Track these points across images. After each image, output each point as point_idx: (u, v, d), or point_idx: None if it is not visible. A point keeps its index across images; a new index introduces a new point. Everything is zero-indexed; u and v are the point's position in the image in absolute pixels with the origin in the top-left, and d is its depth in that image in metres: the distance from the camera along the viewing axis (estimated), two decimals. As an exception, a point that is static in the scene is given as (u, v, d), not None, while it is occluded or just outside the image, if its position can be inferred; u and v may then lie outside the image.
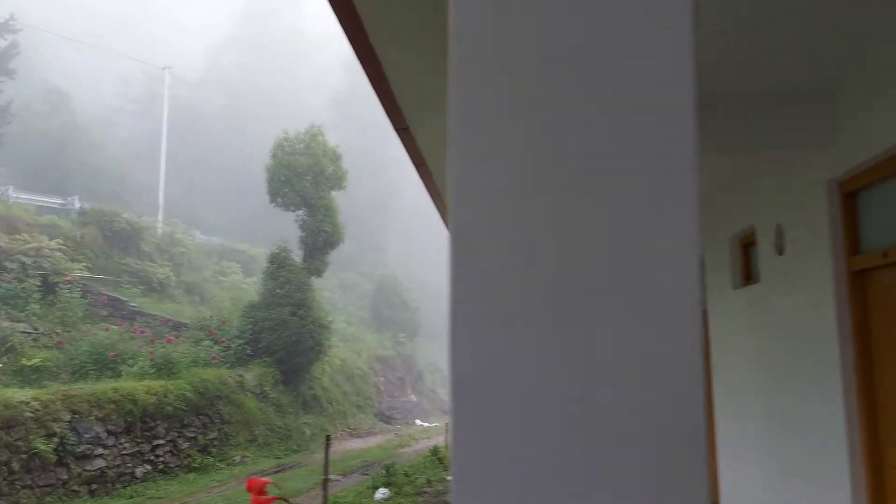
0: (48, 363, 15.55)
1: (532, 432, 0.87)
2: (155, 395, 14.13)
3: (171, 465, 14.15)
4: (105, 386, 13.25)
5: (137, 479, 12.90)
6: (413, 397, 33.64)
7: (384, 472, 12.36)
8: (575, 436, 0.86)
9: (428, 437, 22.03)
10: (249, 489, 2.73)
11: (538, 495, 0.86)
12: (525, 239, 0.88)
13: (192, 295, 26.20)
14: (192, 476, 14.09)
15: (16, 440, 10.77)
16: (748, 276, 6.61)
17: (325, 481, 9.83)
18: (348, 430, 22.37)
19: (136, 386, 13.93)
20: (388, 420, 27.12)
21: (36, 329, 16.84)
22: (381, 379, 30.46)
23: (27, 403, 11.55)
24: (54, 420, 11.63)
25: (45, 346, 16.44)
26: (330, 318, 21.71)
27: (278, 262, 20.88)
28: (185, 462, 14.58)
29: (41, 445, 11.12)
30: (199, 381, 16.10)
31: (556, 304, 0.88)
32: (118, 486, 12.16)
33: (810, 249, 4.97)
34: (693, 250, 0.90)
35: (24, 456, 10.84)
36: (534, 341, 0.88)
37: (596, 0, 0.90)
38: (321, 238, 23.44)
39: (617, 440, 0.87)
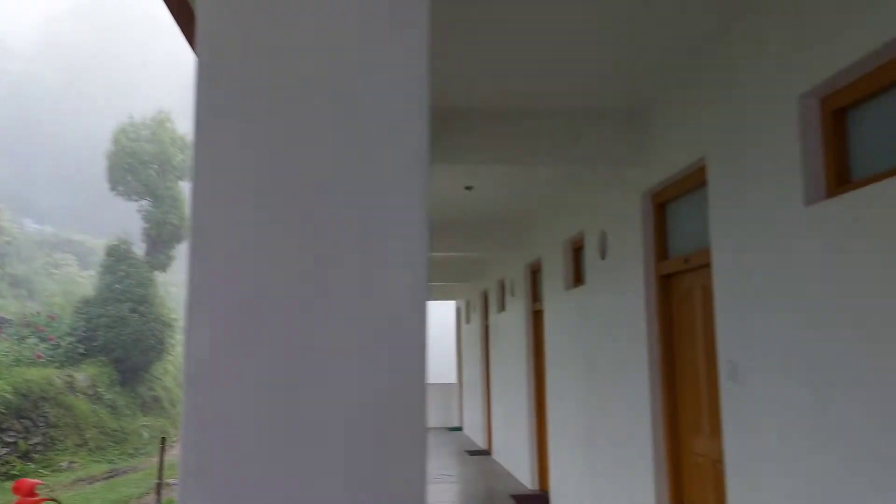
0: None
1: (258, 422, 0.91)
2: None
3: (-15, 474, 12.87)
4: None
5: None
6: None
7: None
8: (300, 426, 0.91)
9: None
10: (16, 490, 2.57)
11: (264, 481, 0.91)
12: (260, 237, 0.93)
13: (19, 288, 24.02)
14: (8, 485, 12.85)
15: None
16: (579, 278, 7.06)
17: (159, 486, 9.38)
18: (191, 432, 21.26)
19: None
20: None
21: None
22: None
23: None
24: None
25: None
26: (175, 316, 20.66)
27: (118, 255, 19.58)
28: (3, 469, 13.32)
29: None
30: (20, 382, 14.76)
31: (288, 300, 0.93)
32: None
33: (627, 255, 5.40)
34: (421, 251, 0.98)
35: None
36: (266, 335, 0.93)
37: (334, 11, 0.96)
38: (166, 230, 22.31)
39: (344, 434, 0.93)
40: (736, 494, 3.73)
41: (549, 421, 8.11)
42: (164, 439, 9.36)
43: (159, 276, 21.98)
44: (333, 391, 0.91)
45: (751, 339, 3.58)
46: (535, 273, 9.11)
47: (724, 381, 3.86)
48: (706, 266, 4.21)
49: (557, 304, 7.65)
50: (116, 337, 18.54)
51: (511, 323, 10.36)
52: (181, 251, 23.94)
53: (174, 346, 20.65)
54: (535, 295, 9.05)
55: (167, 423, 19.53)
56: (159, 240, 22.16)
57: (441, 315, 19.49)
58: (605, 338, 5.99)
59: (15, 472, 13.57)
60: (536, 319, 8.96)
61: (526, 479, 9.31)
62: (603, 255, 6.03)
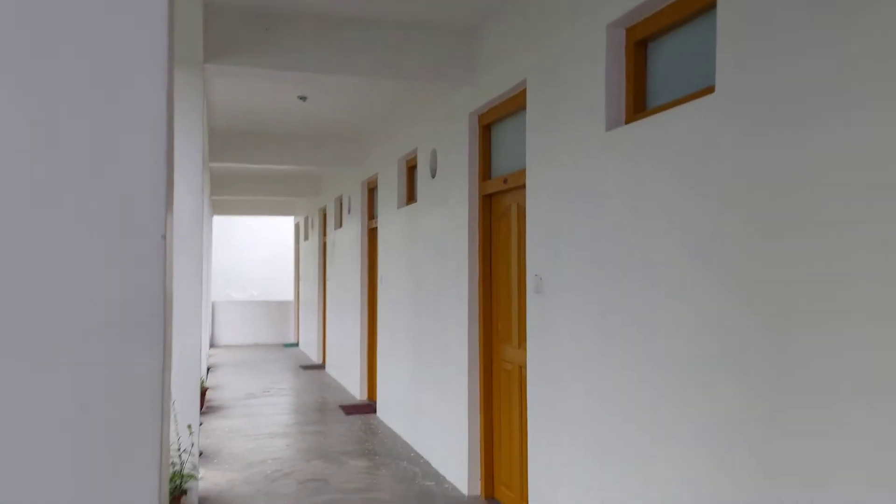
0: None
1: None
2: None
3: None
4: None
5: None
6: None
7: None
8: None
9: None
10: None
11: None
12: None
13: None
14: None
15: None
16: (412, 196, 7.15)
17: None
18: None
19: None
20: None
21: None
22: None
23: None
24: None
25: None
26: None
27: None
28: None
29: None
30: None
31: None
32: None
33: (454, 174, 5.53)
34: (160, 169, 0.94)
35: None
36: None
37: None
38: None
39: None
40: (538, 395, 4.07)
41: (379, 335, 8.32)
42: None
43: None
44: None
45: (555, 254, 3.84)
46: (371, 190, 9.11)
47: (530, 294, 4.14)
48: (522, 187, 4.42)
49: (391, 221, 7.74)
50: None
51: (347, 240, 10.37)
52: None
53: None
54: (372, 213, 9.09)
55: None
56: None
57: (279, 232, 19.06)
58: (432, 255, 6.17)
59: None
60: (372, 237, 9.02)
61: (356, 390, 9.56)
62: (433, 173, 6.14)
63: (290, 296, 18.21)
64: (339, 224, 11.20)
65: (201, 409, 8.32)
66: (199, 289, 8.86)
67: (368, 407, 8.60)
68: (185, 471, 4.47)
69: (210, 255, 17.45)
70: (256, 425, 7.76)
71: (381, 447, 6.74)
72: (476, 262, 5.23)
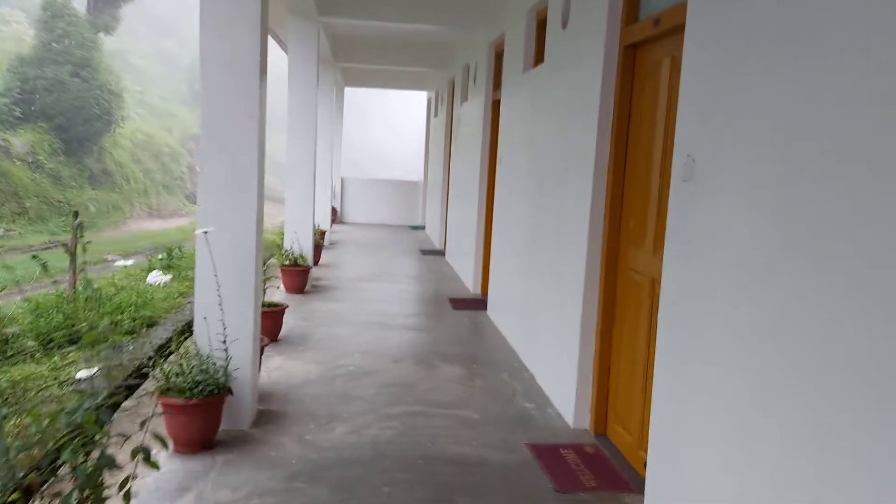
0: None
1: None
2: None
3: None
4: None
5: None
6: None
7: (165, 254, 11.39)
8: None
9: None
10: None
11: None
12: None
13: (-40, 40, 21.95)
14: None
15: None
16: (539, 56, 5.84)
17: (73, 262, 8.66)
18: (148, 210, 20.68)
19: None
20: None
21: None
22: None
23: None
24: None
25: None
26: (124, 85, 18.99)
27: (54, 9, 17.47)
28: (-73, 232, 12.64)
29: None
30: (-56, 141, 13.62)
31: None
32: None
33: (590, 20, 4.19)
34: None
35: None
36: None
37: None
38: (113, -13, 19.91)
39: None
40: (673, 320, 2.90)
41: (494, 224, 7.30)
42: (76, 212, 8.51)
43: (116, 44, 20.03)
44: None
45: (719, 130, 2.54)
46: (498, 56, 7.82)
47: (676, 183, 2.89)
48: (680, 30, 3.07)
49: (514, 91, 6.50)
50: (56, 102, 17.04)
51: (471, 116, 9.22)
52: (129, 13, 21.71)
53: (124, 118, 19.24)
54: (497, 81, 7.83)
55: (120, 199, 18.76)
56: (104, -3, 19.83)
57: (411, 108, 18.17)
58: (554, 129, 4.94)
59: (-58, 237, 12.90)
60: (495, 112, 7.82)
61: (469, 282, 8.72)
62: (564, 22, 4.79)
63: (420, 176, 17.49)
64: (465, 97, 10.03)
65: (304, 289, 7.81)
66: (311, 166, 8.18)
67: (479, 302, 7.73)
68: (229, 367, 3.79)
69: (340, 127, 16.94)
70: (358, 311, 7.13)
71: (483, 352, 5.86)
72: (607, 136, 3.97)
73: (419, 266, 10.61)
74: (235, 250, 3.90)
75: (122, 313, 7.35)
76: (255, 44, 3.83)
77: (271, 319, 5.67)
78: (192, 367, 3.74)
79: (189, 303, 7.95)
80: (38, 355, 6.10)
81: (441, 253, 11.99)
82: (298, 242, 8.04)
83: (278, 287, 7.91)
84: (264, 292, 6.70)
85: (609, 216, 3.97)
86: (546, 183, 5.13)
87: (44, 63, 17.31)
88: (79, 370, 5.71)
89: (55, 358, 5.97)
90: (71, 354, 6.20)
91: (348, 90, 18.49)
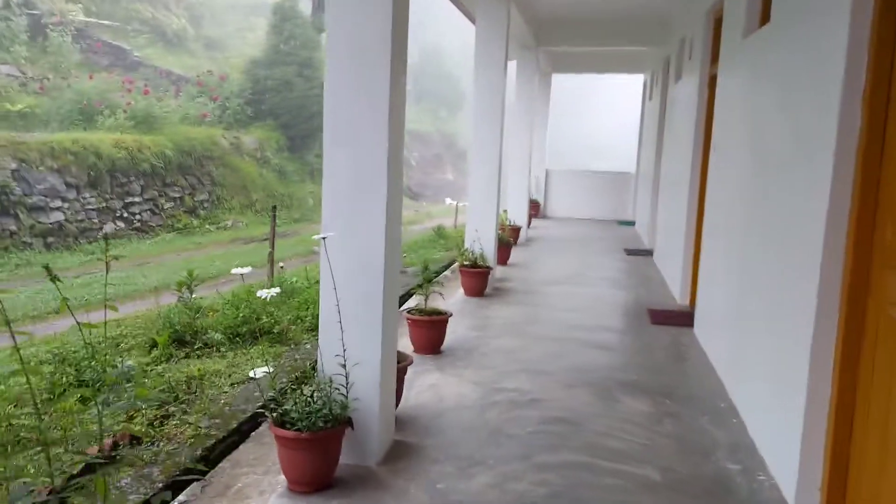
0: (37, 109, 14.63)
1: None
2: (125, 149, 13.05)
3: (151, 224, 13.51)
4: (62, 136, 12.23)
5: (107, 235, 12.30)
6: (450, 175, 32.51)
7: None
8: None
9: (449, 216, 21.12)
10: None
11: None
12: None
13: (213, 50, 24.49)
14: (171, 236, 13.49)
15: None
16: (766, 13, 4.58)
17: (272, 256, 8.84)
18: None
19: (103, 138, 12.84)
20: (415, 197, 26.21)
21: (24, 73, 15.74)
22: (416, 154, 29.19)
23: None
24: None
25: (35, 93, 15.44)
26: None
27: (282, 13, 18.62)
28: (168, 222, 13.94)
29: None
30: (184, 140, 14.96)
31: None
32: (81, 241, 11.61)
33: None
34: None
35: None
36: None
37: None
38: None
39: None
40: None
41: (704, 224, 6.08)
42: (274, 207, 8.65)
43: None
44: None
45: None
46: (717, 22, 6.52)
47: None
48: None
49: (732, 62, 5.26)
50: (282, 101, 18.17)
51: (684, 96, 7.94)
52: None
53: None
54: (715, 53, 6.54)
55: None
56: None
57: (630, 93, 16.80)
58: (780, 99, 3.74)
59: (179, 226, 14.18)
60: (711, 90, 6.54)
61: (676, 290, 7.50)
62: (799, -41, 3.57)
63: (632, 167, 16.13)
64: (679, 75, 8.72)
65: (483, 292, 7.17)
66: (496, 163, 7.47)
67: (685, 317, 6.52)
68: (350, 395, 3.20)
69: (545, 115, 16.12)
70: (538, 321, 6.33)
71: (681, 383, 4.76)
72: (855, 110, 2.77)
73: (621, 268, 9.49)
74: (358, 258, 3.31)
75: (307, 309, 7.23)
76: (386, 29, 3.19)
77: (431, 330, 5.08)
78: (311, 393, 3.22)
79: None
80: (223, 349, 6.11)
81: (649, 253, 10.73)
82: (479, 241, 7.41)
83: (458, 290, 7.36)
84: (442, 296, 6.15)
85: (856, 223, 2.77)
86: (764, 174, 3.94)
87: (273, 65, 18.56)
88: (254, 368, 5.59)
89: (232, 355, 5.91)
90: (252, 350, 6.15)
91: (559, 77, 17.60)
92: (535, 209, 15.28)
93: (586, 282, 8.36)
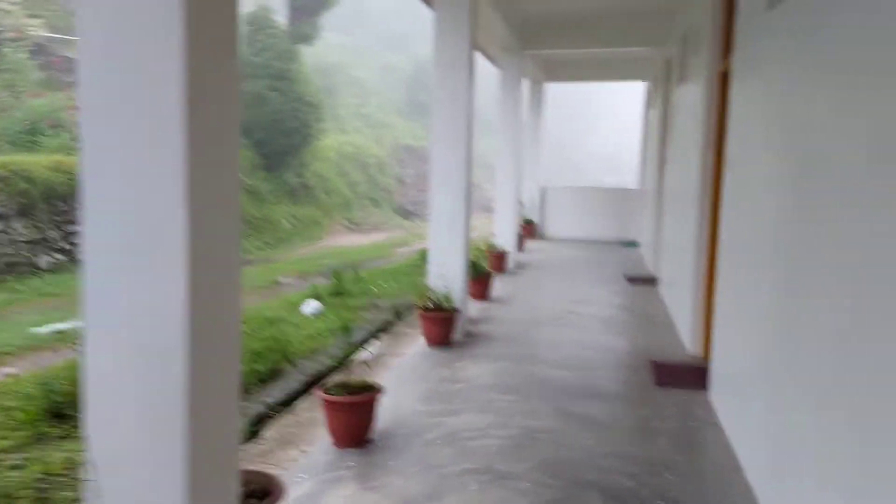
0: (-15, 131, 13.43)
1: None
2: (66, 173, 11.76)
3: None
4: (-9, 160, 10.99)
5: (40, 269, 11.02)
6: (446, 192, 31.09)
7: (334, 278, 10.14)
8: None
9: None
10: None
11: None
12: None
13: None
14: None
15: None
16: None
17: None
18: (348, 225, 20.09)
19: (37, 161, 11.56)
20: (407, 215, 24.87)
21: (-26, 92, 14.55)
22: (409, 171, 27.87)
23: None
24: None
25: (-16, 112, 14.23)
26: (321, 97, 18.48)
27: (257, 23, 17.39)
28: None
29: None
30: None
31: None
32: (8, 277, 10.30)
33: None
34: None
35: None
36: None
37: None
38: (313, -5, 19.46)
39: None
40: None
41: (719, 256, 4.74)
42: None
43: (351, 61, 19.77)
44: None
45: None
46: (728, 4, 5.21)
47: None
48: None
49: (753, 45, 3.93)
50: (255, 116, 16.87)
51: (687, 99, 6.63)
52: (330, 20, 21.30)
53: (323, 130, 18.73)
54: (726, 45, 5.21)
55: (320, 214, 18.30)
56: (304, 6, 19.48)
57: (627, 102, 15.53)
58: (848, 96, 2.41)
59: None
60: (721, 90, 5.21)
61: (686, 335, 6.14)
62: None
63: (635, 183, 14.80)
64: (682, 77, 7.41)
65: (448, 340, 5.82)
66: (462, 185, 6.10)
67: (697, 374, 5.13)
68: None
69: (538, 128, 14.82)
70: (510, 384, 4.97)
71: (688, 485, 3.38)
72: None
73: (620, 302, 8.13)
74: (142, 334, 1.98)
75: (259, 358, 5.87)
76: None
77: (352, 415, 3.75)
78: None
79: (332, 346, 6.37)
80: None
81: (653, 281, 9.36)
82: (445, 278, 6.07)
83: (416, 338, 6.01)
84: (368, 366, 4.81)
85: None
86: (818, 197, 2.60)
87: (244, 78, 17.31)
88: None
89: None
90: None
91: (556, 87, 16.35)
92: (529, 230, 13.95)
93: (577, 322, 7.00)
